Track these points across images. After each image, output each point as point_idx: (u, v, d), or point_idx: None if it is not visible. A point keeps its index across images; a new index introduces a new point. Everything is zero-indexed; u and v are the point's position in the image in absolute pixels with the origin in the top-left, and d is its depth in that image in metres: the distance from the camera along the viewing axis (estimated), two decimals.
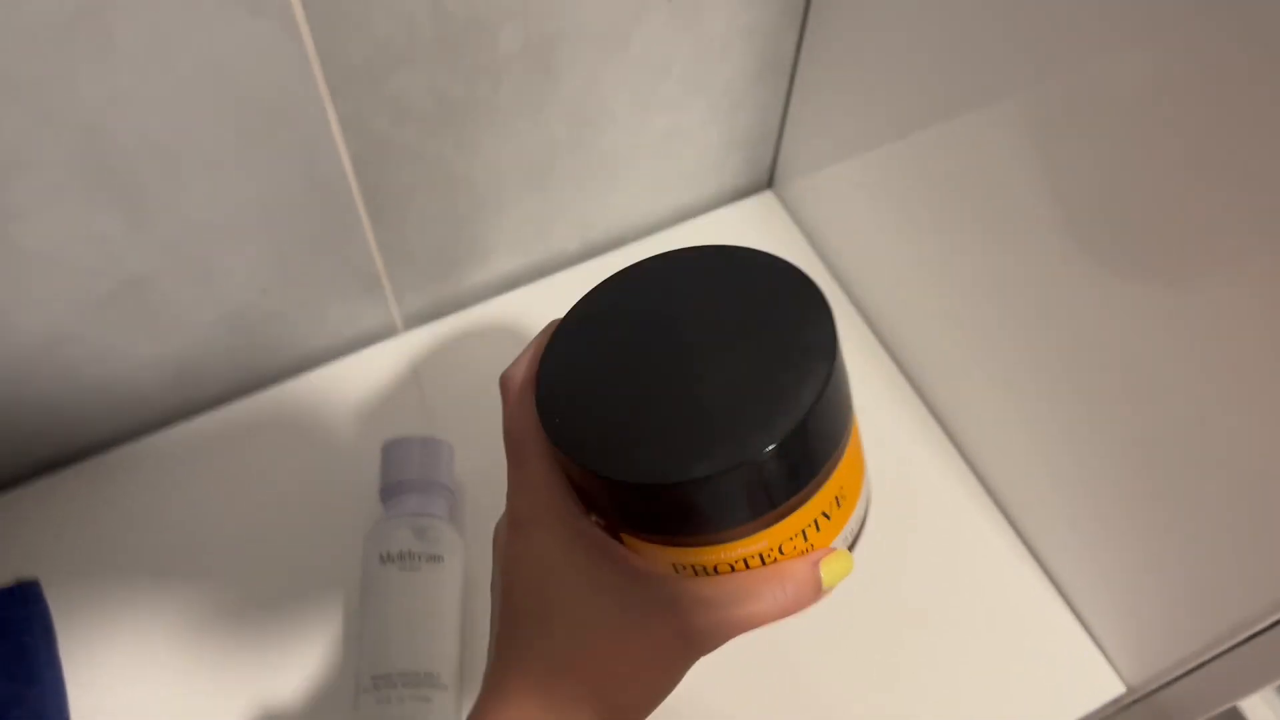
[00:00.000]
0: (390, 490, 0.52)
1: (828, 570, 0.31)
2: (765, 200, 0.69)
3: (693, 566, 0.30)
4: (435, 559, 0.50)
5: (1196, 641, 0.45)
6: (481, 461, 0.57)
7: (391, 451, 0.53)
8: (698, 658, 0.30)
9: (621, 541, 0.31)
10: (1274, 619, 0.40)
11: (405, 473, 0.52)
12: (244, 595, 0.53)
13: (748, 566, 0.30)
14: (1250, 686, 0.45)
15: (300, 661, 0.52)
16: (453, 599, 0.51)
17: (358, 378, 0.61)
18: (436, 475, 0.53)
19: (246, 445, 0.59)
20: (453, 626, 0.50)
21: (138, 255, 0.49)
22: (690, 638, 0.29)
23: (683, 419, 0.28)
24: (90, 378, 0.54)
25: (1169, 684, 0.49)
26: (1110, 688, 0.51)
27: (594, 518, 0.31)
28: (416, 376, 0.61)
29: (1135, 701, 0.52)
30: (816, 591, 0.30)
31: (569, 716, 0.30)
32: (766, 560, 0.30)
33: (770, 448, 0.27)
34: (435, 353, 0.62)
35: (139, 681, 0.51)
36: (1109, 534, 0.48)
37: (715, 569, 0.30)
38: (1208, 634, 0.44)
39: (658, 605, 0.30)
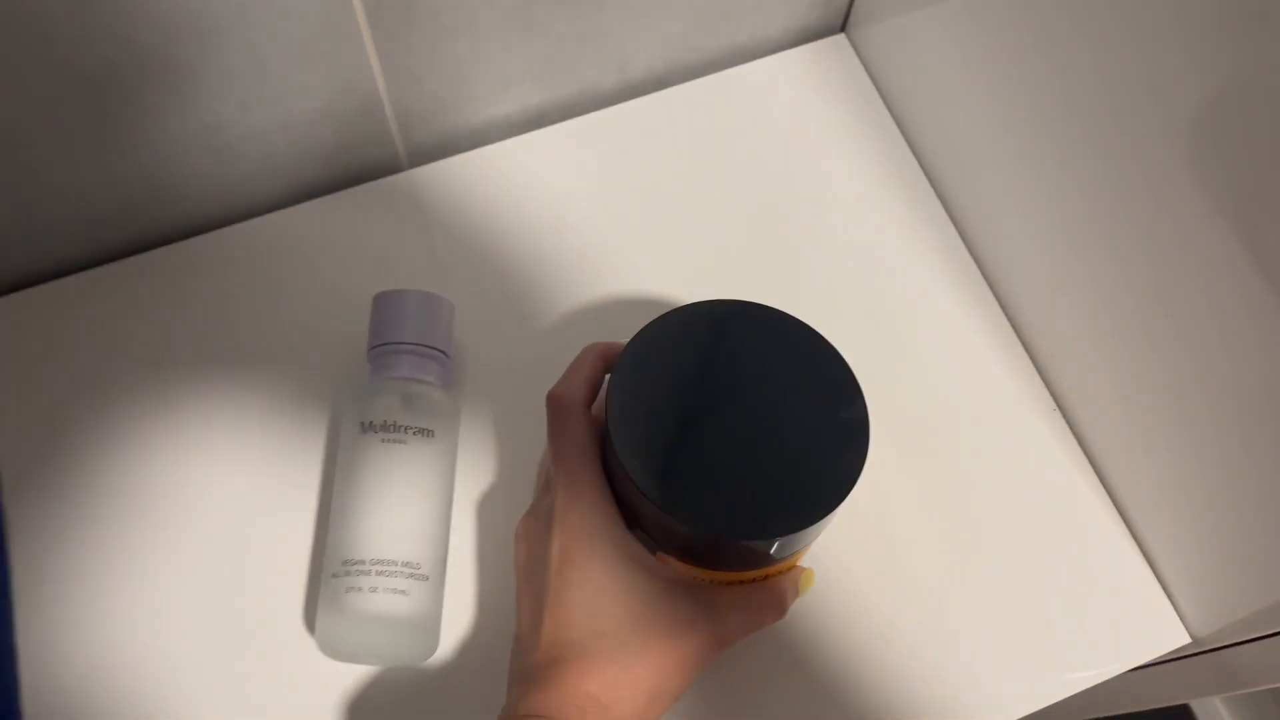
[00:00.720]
0: (379, 350, 0.46)
1: (803, 583, 0.42)
2: (836, 44, 0.59)
3: (713, 581, 0.40)
4: (424, 433, 0.44)
5: (1262, 602, 0.42)
6: (487, 324, 0.51)
7: (383, 305, 0.46)
8: (720, 653, 0.38)
9: (655, 554, 0.39)
10: None
11: (397, 331, 0.46)
12: (209, 448, 0.48)
13: (753, 582, 0.40)
14: None
15: (265, 535, 0.46)
16: (442, 479, 0.45)
17: (354, 215, 0.54)
18: (433, 337, 0.46)
19: (221, 282, 0.52)
20: (439, 511, 0.44)
21: (87, 49, 0.41)
22: (722, 637, 0.38)
23: (741, 479, 0.36)
24: (34, 196, 0.47)
25: (1237, 644, 0.45)
26: (1175, 637, 0.47)
27: (637, 533, 0.39)
28: (421, 220, 0.54)
29: (1199, 654, 0.48)
30: (795, 595, 0.41)
31: (625, 700, 0.35)
32: (769, 577, 0.41)
33: (813, 525, 0.36)
34: (444, 195, 0.55)
35: (86, 548, 0.46)
36: (1188, 477, 0.44)
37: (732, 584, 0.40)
38: (1274, 596, 0.41)
39: (702, 610, 0.38)
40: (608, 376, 0.40)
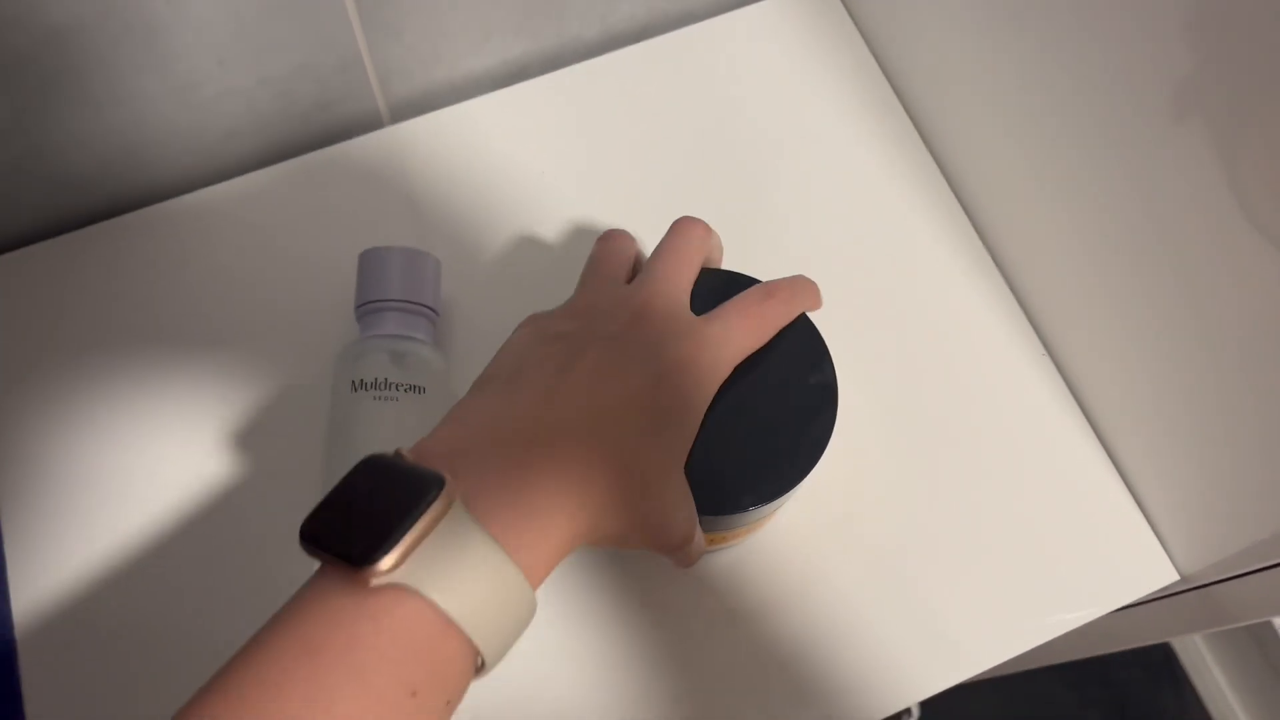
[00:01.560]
0: (367, 308, 0.45)
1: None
2: None
3: None
4: (415, 389, 0.44)
5: (1253, 537, 0.42)
6: (474, 279, 0.50)
7: (369, 263, 0.46)
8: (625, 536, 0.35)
9: None
10: None
11: (384, 289, 0.45)
12: (195, 414, 0.47)
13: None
14: None
15: (264, 499, 0.46)
16: None
17: (336, 173, 0.53)
18: (420, 294, 0.46)
19: (205, 243, 0.51)
20: None
21: (55, 3, 0.40)
22: (666, 526, 0.35)
23: (710, 452, 0.37)
24: (7, 157, 0.46)
25: (1224, 580, 0.46)
26: (1163, 574, 0.47)
27: None
28: (404, 176, 0.53)
29: (1187, 590, 0.48)
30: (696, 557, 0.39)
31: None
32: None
33: (780, 497, 0.38)
34: (427, 150, 0.54)
35: (79, 521, 0.45)
36: (1173, 415, 0.44)
37: None
38: (1265, 530, 0.41)
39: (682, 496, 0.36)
40: None
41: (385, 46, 0.50)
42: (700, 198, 0.53)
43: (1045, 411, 0.50)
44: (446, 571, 0.28)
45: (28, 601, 0.44)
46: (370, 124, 0.54)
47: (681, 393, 0.35)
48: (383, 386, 0.43)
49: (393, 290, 0.45)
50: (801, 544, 0.46)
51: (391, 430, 0.43)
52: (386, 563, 0.27)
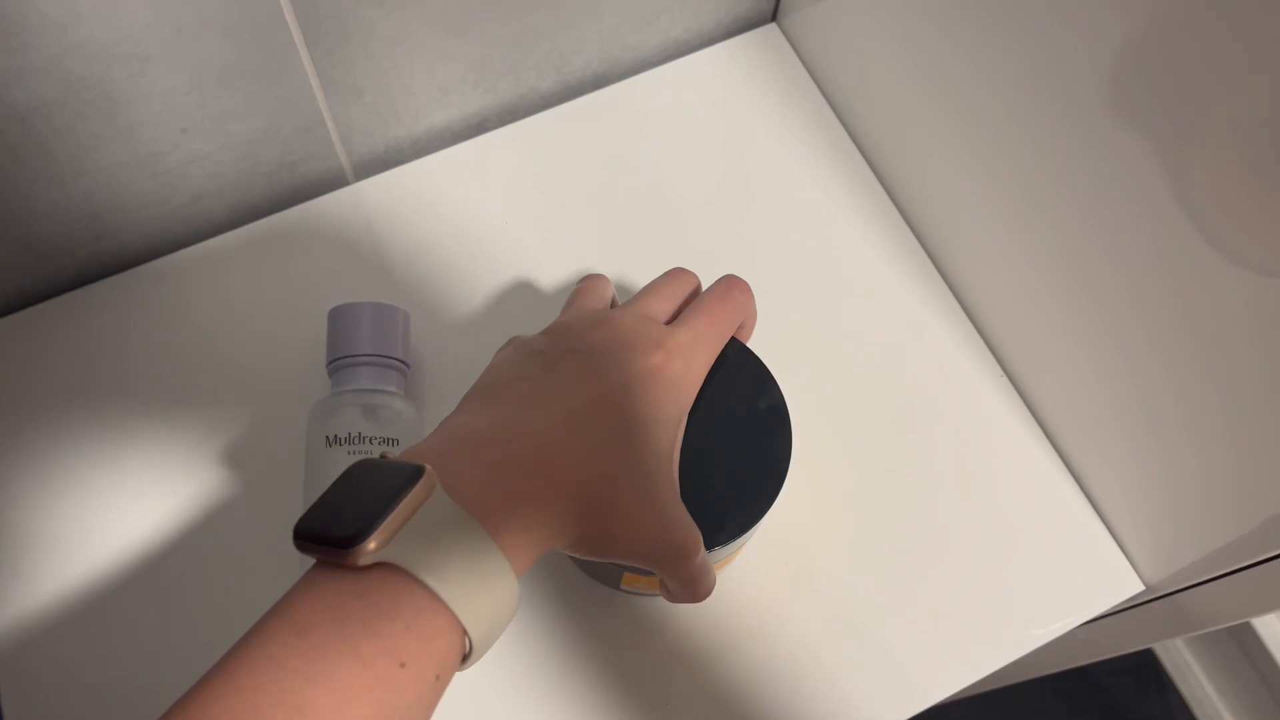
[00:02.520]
0: (339, 363, 0.46)
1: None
2: (768, 34, 0.60)
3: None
4: (388, 442, 0.45)
5: (1213, 544, 0.43)
6: (444, 331, 0.51)
7: (339, 319, 0.47)
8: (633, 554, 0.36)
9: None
10: None
11: (355, 344, 0.46)
12: (172, 473, 0.48)
13: None
14: (1273, 604, 0.44)
15: (242, 557, 0.46)
16: None
17: (303, 231, 0.54)
18: (390, 347, 0.46)
19: (174, 309, 0.52)
20: None
21: (20, 87, 0.41)
22: (690, 543, 0.36)
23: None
24: None
25: (1189, 588, 0.47)
26: (1129, 585, 0.48)
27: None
28: (370, 232, 0.54)
29: (1153, 600, 0.49)
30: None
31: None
32: None
33: (729, 543, 0.38)
34: (392, 206, 0.55)
35: (58, 580, 0.46)
36: (1131, 430, 0.45)
37: None
38: (1225, 538, 0.42)
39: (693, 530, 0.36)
40: None
41: (346, 107, 0.51)
42: (659, 238, 0.54)
43: (1004, 430, 0.51)
44: (430, 549, 0.29)
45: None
46: (335, 182, 0.55)
47: (653, 399, 0.36)
48: (356, 440, 0.44)
49: (363, 345, 0.46)
50: (762, 575, 0.47)
51: None
52: (372, 543, 0.28)
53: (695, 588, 0.37)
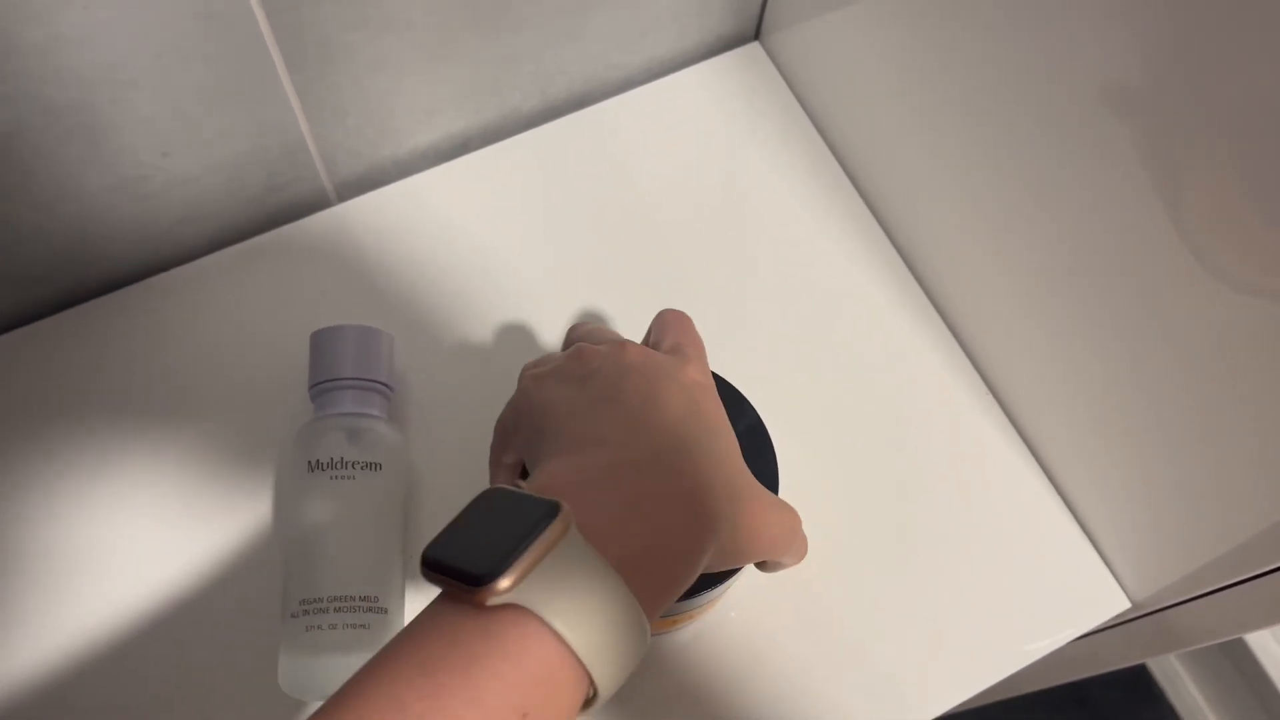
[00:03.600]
0: (321, 387, 0.46)
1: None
2: (751, 53, 0.61)
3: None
4: (372, 466, 0.44)
5: (1199, 562, 0.43)
6: (427, 353, 0.51)
7: (322, 343, 0.47)
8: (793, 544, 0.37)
9: None
10: (1274, 565, 0.40)
11: (338, 368, 0.46)
12: (152, 500, 0.47)
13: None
14: (1259, 622, 0.44)
15: (221, 583, 0.46)
16: (393, 512, 0.45)
17: (286, 254, 0.54)
18: (374, 370, 0.46)
19: (156, 332, 0.52)
20: (393, 543, 0.44)
21: (2, 112, 0.41)
22: (784, 532, 0.37)
23: None
24: None
25: (1175, 605, 0.47)
26: (1115, 603, 0.48)
27: None
28: (354, 253, 0.54)
29: (1140, 617, 0.50)
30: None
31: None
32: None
33: (705, 593, 0.38)
34: (375, 228, 0.55)
35: (32, 611, 0.45)
36: (1118, 449, 0.45)
37: None
38: (1210, 555, 0.43)
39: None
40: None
41: (329, 129, 0.51)
42: (643, 257, 0.54)
43: (990, 448, 0.51)
44: (563, 596, 0.28)
45: None
46: (318, 204, 0.55)
47: (713, 404, 0.37)
48: (339, 465, 0.44)
49: (346, 368, 0.46)
50: (751, 604, 0.47)
51: (350, 509, 0.44)
52: (504, 582, 0.27)
53: (803, 553, 0.39)
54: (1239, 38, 0.32)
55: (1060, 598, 0.48)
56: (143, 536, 0.47)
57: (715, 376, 0.41)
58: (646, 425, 0.34)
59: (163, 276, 0.53)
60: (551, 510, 0.29)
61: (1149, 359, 0.41)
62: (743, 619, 0.46)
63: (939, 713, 0.45)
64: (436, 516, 0.48)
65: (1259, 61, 0.31)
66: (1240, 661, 1.04)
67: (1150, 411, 0.42)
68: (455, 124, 0.55)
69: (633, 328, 0.51)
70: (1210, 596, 0.45)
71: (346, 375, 0.46)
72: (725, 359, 0.44)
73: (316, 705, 0.43)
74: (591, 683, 0.28)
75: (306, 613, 0.42)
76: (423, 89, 0.52)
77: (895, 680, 0.46)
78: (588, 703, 0.29)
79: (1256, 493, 0.39)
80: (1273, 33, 0.30)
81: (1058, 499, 0.50)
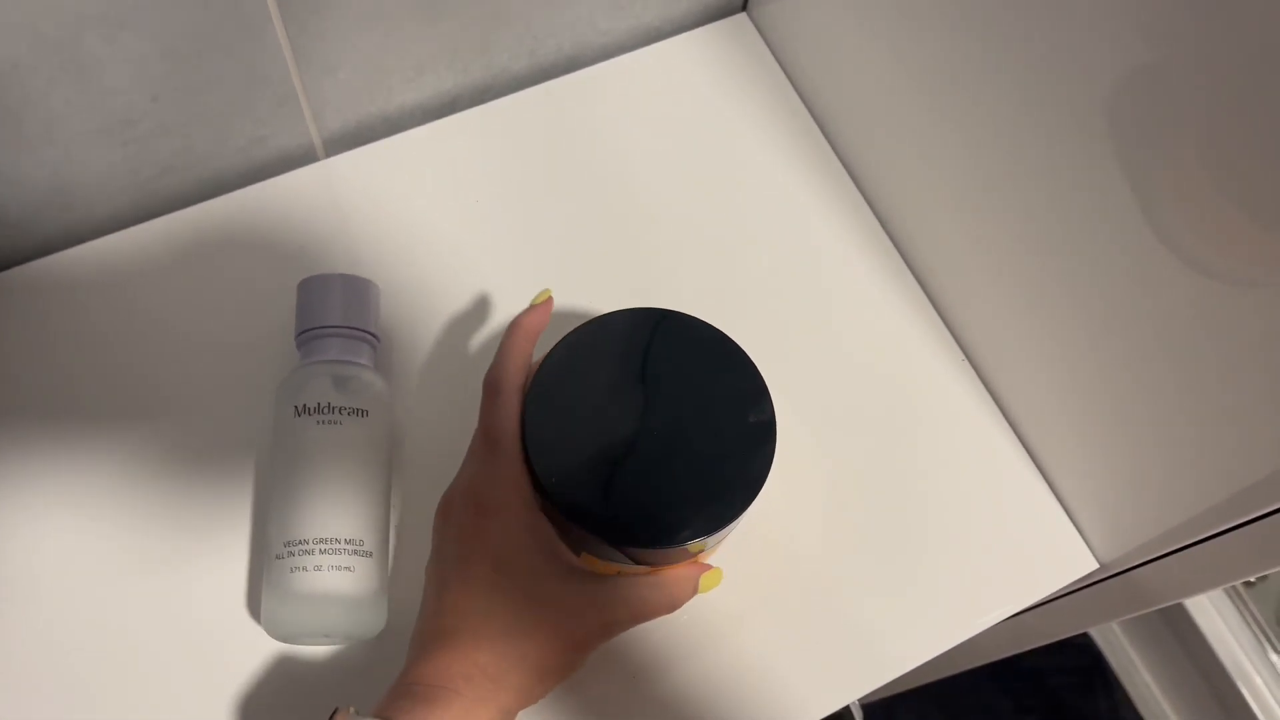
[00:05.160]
0: (308, 334, 0.46)
1: (706, 582, 0.42)
2: (738, 23, 0.61)
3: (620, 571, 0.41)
4: (358, 413, 0.45)
5: (1165, 524, 0.44)
6: (413, 309, 0.51)
7: (309, 290, 0.47)
8: (607, 640, 0.39)
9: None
10: (1239, 520, 0.41)
11: (325, 315, 0.46)
12: (136, 446, 0.47)
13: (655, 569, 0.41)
14: (1218, 579, 0.46)
15: (204, 525, 0.46)
16: (379, 457, 0.45)
17: (272, 207, 0.54)
18: (361, 319, 0.46)
19: (142, 279, 0.51)
20: (379, 488, 0.45)
21: None
22: (610, 627, 0.39)
23: (650, 486, 0.38)
24: None
25: (1142, 565, 0.48)
26: (1083, 563, 0.50)
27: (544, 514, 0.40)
28: (339, 209, 0.54)
29: (1107, 578, 0.51)
30: (693, 594, 0.41)
31: (512, 674, 0.37)
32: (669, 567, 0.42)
33: (711, 535, 0.38)
34: (362, 183, 0.55)
35: (20, 545, 0.45)
36: (1088, 414, 0.47)
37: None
38: (1176, 518, 0.44)
39: (592, 600, 0.39)
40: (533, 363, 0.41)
41: (320, 82, 0.51)
42: (626, 225, 0.55)
43: (965, 413, 0.52)
44: None
45: None
46: (305, 158, 0.55)
47: (484, 544, 0.39)
48: (326, 411, 0.44)
49: (334, 316, 0.46)
50: (725, 563, 0.47)
51: (337, 453, 0.44)
52: None
53: (672, 606, 0.40)
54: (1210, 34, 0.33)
55: (1025, 558, 0.49)
56: (126, 482, 0.47)
57: (741, 361, 0.41)
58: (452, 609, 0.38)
59: (147, 225, 0.52)
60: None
61: (1123, 328, 0.42)
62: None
63: (911, 667, 0.46)
64: (420, 470, 0.48)
65: (1222, 58, 0.33)
66: (1191, 646, 1.07)
67: (1123, 374, 0.43)
68: (444, 82, 0.55)
69: (609, 290, 0.52)
70: (1173, 555, 0.46)
71: (334, 323, 0.46)
72: None
73: (302, 649, 0.44)
74: None
75: (291, 554, 0.42)
76: (413, 45, 0.52)
77: (868, 637, 0.47)
78: None
79: (1228, 454, 0.40)
80: (1241, 32, 0.32)
81: (1030, 464, 0.51)
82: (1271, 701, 0.96)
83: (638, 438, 0.39)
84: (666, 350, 0.41)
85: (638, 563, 0.40)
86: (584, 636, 0.38)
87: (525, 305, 0.51)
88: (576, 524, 0.38)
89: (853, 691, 0.46)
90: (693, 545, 0.39)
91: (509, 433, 0.39)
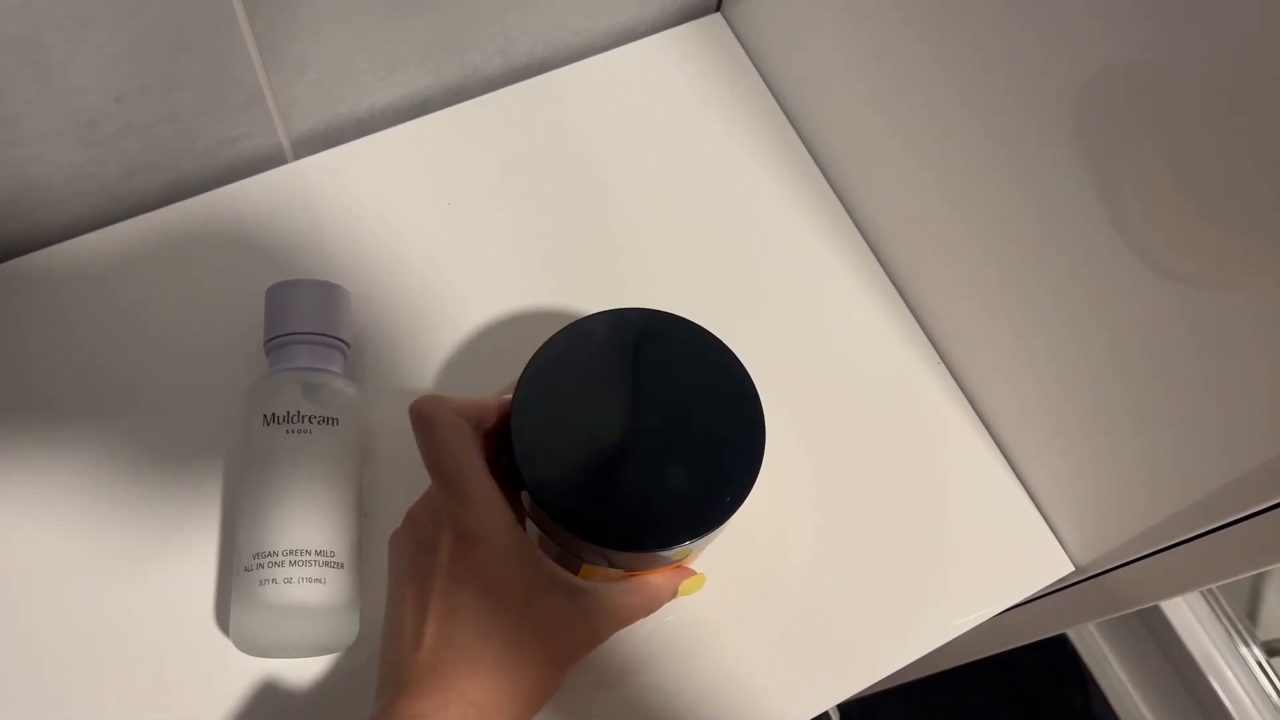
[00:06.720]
0: (277, 341, 0.45)
1: (687, 587, 0.43)
2: (713, 24, 0.61)
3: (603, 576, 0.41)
4: (328, 421, 0.44)
5: (1140, 527, 0.45)
6: (384, 313, 0.51)
7: (279, 296, 0.46)
8: (590, 653, 0.39)
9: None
10: (1215, 524, 0.41)
11: (296, 321, 0.45)
12: (105, 448, 0.46)
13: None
14: (1192, 583, 0.46)
15: (170, 540, 0.45)
16: (349, 467, 0.44)
17: (239, 210, 0.53)
18: (331, 326, 0.46)
19: (111, 281, 0.50)
20: (349, 498, 0.44)
21: None
22: (593, 639, 0.39)
23: (637, 490, 0.38)
24: None
25: (1117, 568, 0.48)
26: (1059, 566, 0.50)
27: (528, 524, 0.40)
28: (310, 211, 0.53)
29: (1083, 581, 0.51)
30: (672, 596, 0.42)
31: (506, 709, 0.36)
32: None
33: (696, 540, 0.38)
34: (332, 186, 0.54)
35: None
36: (1064, 417, 0.47)
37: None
38: (1150, 521, 0.44)
39: (577, 613, 0.38)
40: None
41: (289, 83, 0.50)
42: (601, 226, 0.54)
43: (941, 417, 0.52)
44: None
45: None
46: (273, 160, 0.54)
47: (458, 569, 0.38)
48: (295, 419, 0.43)
49: (304, 323, 0.45)
50: (702, 568, 0.47)
51: (306, 463, 0.43)
52: None
53: (649, 610, 0.41)
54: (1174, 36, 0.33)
55: (1004, 563, 0.49)
56: (90, 492, 0.46)
57: (734, 368, 0.40)
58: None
59: (112, 229, 0.51)
60: None
61: (1096, 333, 0.42)
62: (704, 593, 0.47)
63: (888, 672, 0.46)
64: (390, 476, 0.47)
65: (1185, 64, 0.33)
66: (1164, 642, 1.08)
67: (1097, 376, 0.43)
68: (416, 82, 0.55)
69: (586, 293, 0.52)
70: (1150, 559, 0.46)
71: (304, 330, 0.45)
72: None
73: (272, 662, 0.43)
74: None
75: (260, 566, 0.41)
76: (384, 44, 0.51)
77: (846, 642, 0.46)
78: None
79: (1201, 456, 0.40)
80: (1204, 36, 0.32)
81: (1006, 467, 0.51)
82: (1243, 695, 0.97)
83: (626, 439, 0.38)
84: (656, 351, 0.40)
85: (617, 566, 0.40)
86: (573, 652, 0.38)
87: (499, 309, 0.51)
88: (563, 526, 0.37)
89: (832, 697, 0.46)
90: (677, 553, 0.39)
91: (468, 458, 0.37)
